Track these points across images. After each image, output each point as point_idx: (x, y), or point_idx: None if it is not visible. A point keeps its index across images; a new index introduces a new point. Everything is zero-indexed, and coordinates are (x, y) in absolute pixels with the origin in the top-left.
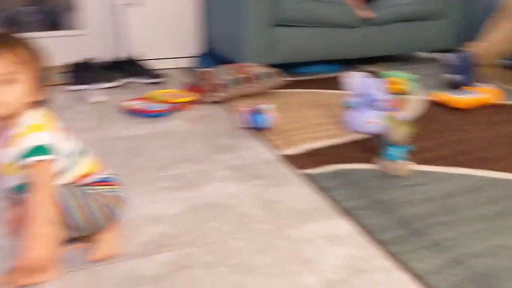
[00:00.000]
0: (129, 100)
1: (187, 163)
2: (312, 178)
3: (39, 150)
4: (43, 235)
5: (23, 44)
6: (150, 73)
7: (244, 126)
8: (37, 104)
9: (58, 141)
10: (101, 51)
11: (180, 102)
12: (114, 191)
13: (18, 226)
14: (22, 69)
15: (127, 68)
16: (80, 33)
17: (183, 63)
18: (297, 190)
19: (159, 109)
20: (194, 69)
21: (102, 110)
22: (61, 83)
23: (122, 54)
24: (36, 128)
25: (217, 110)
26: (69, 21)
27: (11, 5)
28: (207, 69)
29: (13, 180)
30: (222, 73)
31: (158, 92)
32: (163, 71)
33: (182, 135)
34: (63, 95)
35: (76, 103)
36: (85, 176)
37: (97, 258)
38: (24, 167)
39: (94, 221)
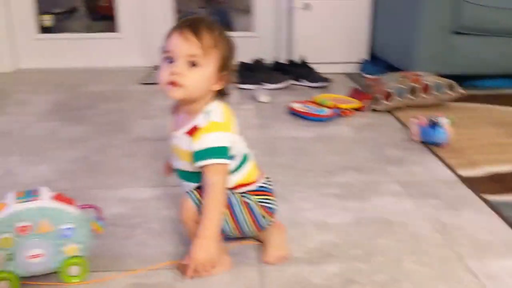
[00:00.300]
0: (296, 102)
1: (354, 171)
2: (497, 206)
3: (219, 152)
4: (211, 237)
5: (214, 31)
6: (316, 76)
7: (415, 138)
8: (217, 95)
9: (234, 143)
10: (269, 53)
11: (347, 108)
12: (269, 203)
13: (169, 173)
14: (207, 54)
15: (294, 70)
16: (252, 35)
17: (348, 68)
18: (479, 217)
19: (326, 114)
20: (361, 75)
21: (269, 110)
22: (233, 81)
23: (290, 57)
24: (219, 127)
25: (384, 118)
26: (241, 23)
27: (187, 7)
28: (375, 76)
29: (181, 164)
30: (392, 81)
31: (324, 96)
32: (329, 75)
33: (349, 142)
34: (234, 92)
35: (244, 101)
36: (247, 183)
37: (270, 260)
38: (201, 166)
39: (253, 228)
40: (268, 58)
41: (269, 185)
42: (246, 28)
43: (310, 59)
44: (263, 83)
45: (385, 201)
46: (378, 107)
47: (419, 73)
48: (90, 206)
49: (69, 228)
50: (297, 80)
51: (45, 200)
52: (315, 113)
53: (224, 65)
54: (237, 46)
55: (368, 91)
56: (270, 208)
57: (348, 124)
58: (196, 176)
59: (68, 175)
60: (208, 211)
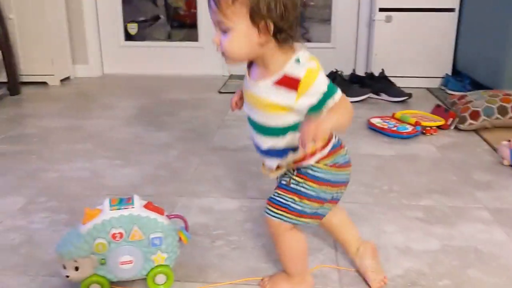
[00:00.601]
0: (376, 117)
1: (440, 194)
2: None
3: (330, 90)
4: (331, 124)
5: None
6: (397, 91)
7: (505, 162)
8: (281, 43)
9: None
10: (347, 65)
11: (430, 126)
12: (344, 157)
13: (241, 106)
14: (229, 16)
15: (373, 83)
16: (329, 46)
17: (430, 83)
18: None
19: (407, 131)
20: (444, 91)
21: None
22: None
23: (367, 69)
24: (318, 70)
25: (470, 139)
26: (319, 34)
27: None
28: (460, 93)
29: (254, 113)
30: (480, 99)
31: (406, 112)
32: (409, 90)
33: (433, 162)
34: None
35: None
36: (325, 144)
37: (376, 286)
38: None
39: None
40: (345, 70)
41: (338, 140)
42: (324, 39)
43: (389, 73)
44: None
45: (473, 228)
46: (463, 126)
47: (510, 92)
48: (178, 216)
49: (159, 238)
50: (376, 94)
51: (137, 208)
52: (396, 129)
53: (259, 15)
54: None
55: (453, 108)
56: (346, 162)
57: (431, 143)
58: (267, 129)
59: (152, 181)
60: (339, 112)
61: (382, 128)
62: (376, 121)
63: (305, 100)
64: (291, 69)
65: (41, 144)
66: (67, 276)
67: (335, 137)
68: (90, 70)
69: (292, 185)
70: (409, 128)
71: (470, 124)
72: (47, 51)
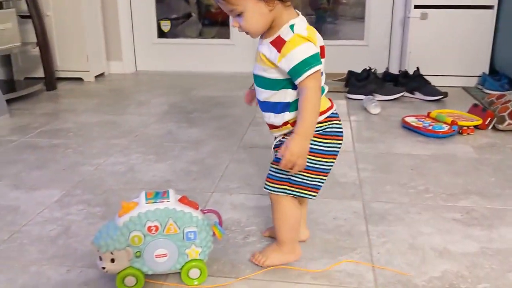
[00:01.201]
0: (411, 116)
1: (478, 196)
2: None
3: (311, 61)
4: (306, 135)
5: None
6: (432, 89)
7: None
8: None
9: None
10: (380, 63)
11: (467, 126)
12: (336, 127)
13: (251, 100)
14: (237, 2)
15: (407, 82)
16: (362, 43)
17: (466, 82)
18: None
19: (443, 130)
20: (481, 90)
21: (380, 123)
22: (342, 90)
23: (402, 67)
24: (305, 39)
25: (508, 139)
26: (352, 32)
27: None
28: (498, 92)
29: (257, 68)
30: None
31: (442, 112)
32: (444, 88)
33: (471, 163)
34: (344, 102)
35: (354, 112)
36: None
37: None
38: (300, 80)
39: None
40: (379, 68)
41: (335, 112)
42: (357, 37)
43: (424, 71)
44: (374, 94)
45: None
46: (501, 127)
47: None
48: (212, 211)
49: (193, 232)
50: (410, 93)
51: (173, 202)
52: (431, 129)
53: None
54: (348, 55)
55: (491, 108)
56: (338, 133)
57: (468, 143)
58: (262, 80)
59: (185, 176)
60: (305, 111)
61: (417, 127)
62: (410, 120)
63: (284, 62)
64: (284, 32)
65: (77, 139)
66: (103, 268)
67: (335, 109)
68: (124, 67)
69: None
70: (445, 128)
71: (509, 124)
72: (83, 48)
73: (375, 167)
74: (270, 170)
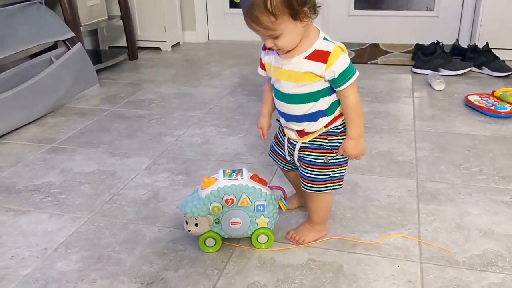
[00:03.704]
0: (475, 94)
1: None
2: None
3: (351, 69)
4: (360, 137)
5: (267, 3)
6: (501, 65)
7: None
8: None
9: None
10: (450, 36)
11: None
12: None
13: (264, 133)
14: (275, 26)
15: (475, 57)
16: (431, 14)
17: None
18: None
19: (506, 111)
20: None
21: (443, 100)
22: (408, 63)
23: (472, 41)
24: (342, 49)
25: None
26: (421, 1)
27: None
28: None
29: (286, 86)
30: None
31: (507, 90)
32: None
33: None
34: (408, 76)
35: (418, 87)
36: (338, 115)
37: None
38: (344, 87)
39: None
40: (448, 41)
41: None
42: (426, 7)
43: (495, 45)
44: (440, 69)
45: None
46: None
47: None
48: (278, 188)
49: (262, 205)
50: (478, 68)
51: (246, 179)
52: (493, 108)
53: (297, 12)
54: (417, 27)
55: None
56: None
57: None
58: (303, 96)
59: (254, 149)
60: (355, 116)
61: (480, 107)
62: (473, 98)
63: (330, 72)
64: (320, 45)
65: (159, 110)
66: (189, 231)
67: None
68: (197, 36)
69: (330, 160)
70: (508, 108)
71: None
72: (161, 19)
73: (433, 146)
74: (309, 173)
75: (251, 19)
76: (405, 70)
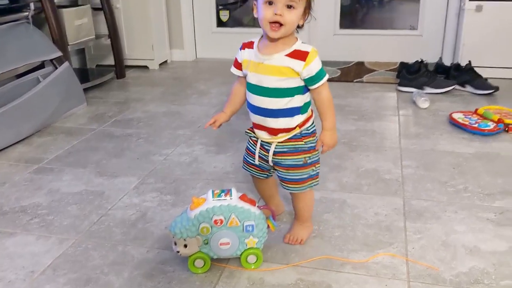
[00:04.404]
0: (459, 112)
1: None
2: None
3: (324, 71)
4: (334, 128)
5: None
6: (482, 83)
7: None
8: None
9: None
10: (433, 54)
11: None
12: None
13: (213, 125)
14: (300, 1)
15: (458, 75)
16: (415, 33)
17: None
18: None
19: (490, 128)
20: None
21: (428, 118)
22: (393, 81)
23: (455, 60)
24: (317, 52)
25: None
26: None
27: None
28: None
29: (265, 80)
30: None
31: (489, 108)
32: (498, 81)
33: None
34: (394, 94)
35: (403, 105)
36: (309, 116)
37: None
38: (319, 85)
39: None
40: (432, 59)
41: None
42: (410, 26)
43: (477, 63)
44: (425, 87)
45: None
46: None
47: None
48: (267, 207)
49: (251, 225)
50: (461, 86)
51: (235, 199)
52: (477, 126)
53: (309, 5)
54: (400, 45)
55: None
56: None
57: None
58: (280, 91)
59: (240, 170)
60: (330, 110)
61: (463, 124)
62: (457, 116)
63: (307, 70)
64: (300, 46)
65: (147, 128)
66: (178, 252)
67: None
68: (185, 55)
69: (308, 161)
70: (491, 125)
71: None
72: (149, 38)
73: (418, 164)
74: (290, 176)
75: None
76: (390, 88)
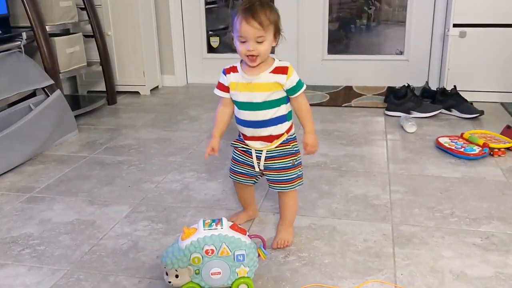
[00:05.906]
0: (445, 136)
1: (501, 221)
2: None
3: (302, 82)
4: (314, 131)
5: (267, 10)
6: (468, 107)
7: None
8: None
9: None
10: (420, 79)
11: (498, 148)
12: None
13: (213, 153)
14: (268, 31)
15: (444, 99)
16: (402, 58)
17: (504, 98)
18: None
19: (475, 153)
20: None
21: (415, 143)
22: (381, 106)
23: (440, 84)
24: (292, 67)
25: None
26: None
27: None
28: None
29: (256, 97)
30: None
31: (475, 132)
32: (482, 104)
33: (498, 187)
34: (382, 119)
35: (391, 130)
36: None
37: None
38: (298, 94)
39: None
40: (418, 83)
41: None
42: (397, 49)
43: (463, 87)
44: (412, 111)
45: None
46: None
47: None
48: (257, 236)
49: (242, 254)
50: (447, 110)
51: (225, 229)
52: (463, 151)
53: (277, 30)
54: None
55: None
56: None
57: (498, 166)
58: (269, 103)
59: (233, 195)
60: (309, 115)
61: (450, 149)
62: (444, 140)
63: (289, 82)
64: (279, 63)
65: (138, 156)
66: (170, 282)
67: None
68: (176, 80)
69: (295, 162)
70: (477, 150)
71: None
72: (140, 64)
73: (406, 189)
74: (281, 177)
75: (253, 15)
76: (378, 112)
